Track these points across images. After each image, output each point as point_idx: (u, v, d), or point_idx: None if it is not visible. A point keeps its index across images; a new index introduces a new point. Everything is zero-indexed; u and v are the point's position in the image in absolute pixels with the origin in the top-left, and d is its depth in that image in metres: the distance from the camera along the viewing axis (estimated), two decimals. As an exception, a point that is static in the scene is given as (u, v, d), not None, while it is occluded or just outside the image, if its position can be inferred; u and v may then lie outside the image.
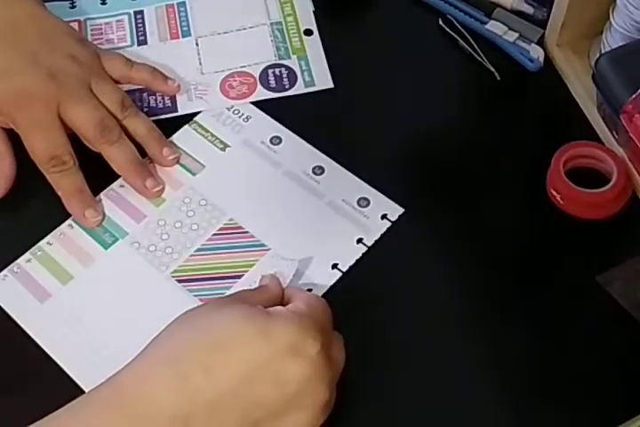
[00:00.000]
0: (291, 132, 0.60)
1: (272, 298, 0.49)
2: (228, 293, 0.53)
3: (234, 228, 0.56)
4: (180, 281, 0.54)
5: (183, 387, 0.41)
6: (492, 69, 0.62)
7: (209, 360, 0.41)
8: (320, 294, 0.52)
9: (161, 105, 0.62)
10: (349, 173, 0.58)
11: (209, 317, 0.44)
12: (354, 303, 0.52)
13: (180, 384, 0.41)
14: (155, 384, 0.41)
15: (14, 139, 0.57)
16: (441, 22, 0.65)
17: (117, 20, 0.67)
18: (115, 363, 0.43)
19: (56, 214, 0.57)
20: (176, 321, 0.44)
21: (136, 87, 0.63)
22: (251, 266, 0.54)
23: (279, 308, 0.45)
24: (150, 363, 0.42)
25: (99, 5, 0.68)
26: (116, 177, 0.58)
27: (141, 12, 0.68)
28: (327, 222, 0.56)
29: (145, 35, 0.66)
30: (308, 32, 0.66)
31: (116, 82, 0.61)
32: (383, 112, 0.61)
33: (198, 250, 0.55)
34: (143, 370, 0.42)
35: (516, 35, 0.64)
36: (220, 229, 0.56)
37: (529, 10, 0.65)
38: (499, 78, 0.62)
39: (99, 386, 0.43)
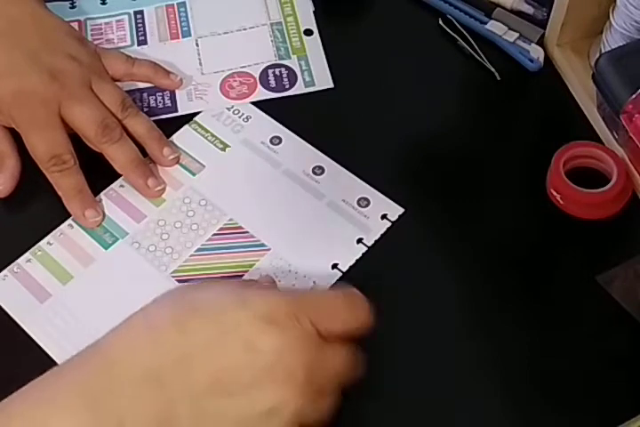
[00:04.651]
0: (291, 133, 0.60)
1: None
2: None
3: (234, 228, 0.56)
4: (180, 281, 0.54)
5: (156, 342, 0.41)
6: (492, 69, 0.62)
7: (184, 321, 0.41)
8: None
9: (161, 105, 0.62)
10: (349, 173, 0.58)
11: (192, 290, 0.45)
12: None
13: (154, 340, 0.41)
14: (131, 342, 0.42)
15: (15, 139, 0.57)
16: (441, 22, 0.65)
17: (117, 20, 0.67)
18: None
19: (56, 214, 0.57)
20: (159, 297, 0.45)
21: (136, 87, 0.63)
22: (251, 266, 0.54)
23: (264, 283, 0.46)
24: (130, 327, 0.43)
25: (99, 5, 0.68)
26: (115, 177, 0.58)
27: (141, 12, 0.68)
28: (327, 222, 0.56)
29: (145, 35, 0.66)
30: (308, 32, 0.66)
31: (119, 80, 0.61)
32: (383, 112, 0.61)
33: (198, 250, 0.55)
34: (122, 333, 0.43)
35: (516, 35, 0.64)
36: (220, 229, 0.56)
37: (529, 10, 0.65)
38: (499, 78, 0.62)
39: (81, 351, 0.43)
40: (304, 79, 0.63)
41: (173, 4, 0.68)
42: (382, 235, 0.55)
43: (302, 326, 0.42)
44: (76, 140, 0.56)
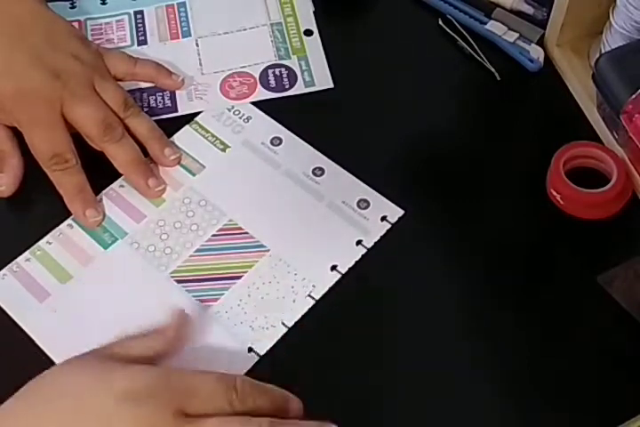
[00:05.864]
0: (291, 133, 0.60)
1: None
2: (227, 293, 0.53)
3: (233, 228, 0.56)
4: (179, 281, 0.54)
5: None
6: (492, 69, 0.62)
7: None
8: (318, 296, 0.52)
9: (161, 105, 0.62)
10: (349, 175, 0.58)
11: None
12: (353, 305, 0.52)
13: None
14: None
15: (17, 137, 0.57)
16: (441, 22, 0.65)
17: (117, 20, 0.67)
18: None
19: (56, 214, 0.57)
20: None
21: (136, 87, 0.63)
22: (250, 267, 0.54)
23: None
24: None
25: (99, 5, 0.68)
26: (116, 177, 0.58)
27: (141, 12, 0.68)
28: (327, 224, 0.56)
29: (145, 35, 0.66)
30: (308, 32, 0.66)
31: (121, 79, 0.61)
32: (383, 112, 0.61)
33: (198, 250, 0.55)
34: None
35: (516, 35, 0.64)
36: (220, 229, 0.56)
37: (529, 10, 0.65)
38: (499, 78, 0.62)
39: None
40: (304, 79, 0.63)
41: (173, 4, 0.68)
42: (382, 237, 0.55)
43: (160, 402, 0.42)
44: (76, 140, 0.56)
